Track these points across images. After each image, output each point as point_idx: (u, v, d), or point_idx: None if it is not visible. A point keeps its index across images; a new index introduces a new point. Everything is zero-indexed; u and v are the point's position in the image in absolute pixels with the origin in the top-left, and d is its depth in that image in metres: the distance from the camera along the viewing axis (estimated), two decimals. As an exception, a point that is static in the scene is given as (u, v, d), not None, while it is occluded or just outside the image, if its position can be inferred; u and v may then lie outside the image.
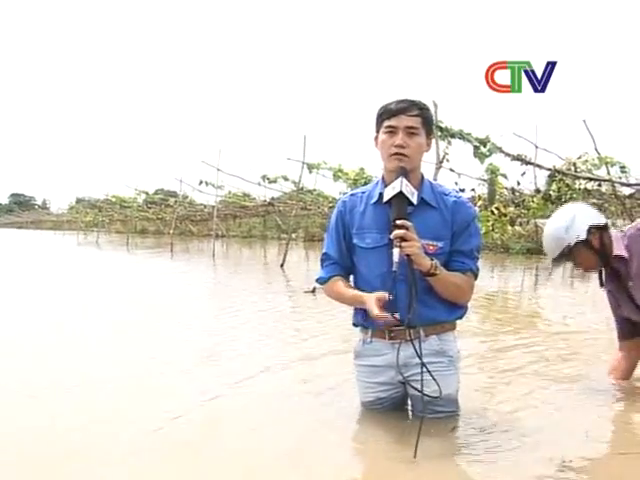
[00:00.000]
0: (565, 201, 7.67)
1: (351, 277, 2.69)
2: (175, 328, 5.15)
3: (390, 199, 2.42)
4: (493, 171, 8.89)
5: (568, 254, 3.00)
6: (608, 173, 8.75)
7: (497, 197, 9.54)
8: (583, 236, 2.95)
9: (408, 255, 2.37)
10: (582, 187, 9.03)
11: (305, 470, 2.28)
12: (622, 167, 9.13)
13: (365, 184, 3.23)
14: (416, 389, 2.41)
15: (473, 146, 8.00)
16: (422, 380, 2.35)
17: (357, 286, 2.63)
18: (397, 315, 2.39)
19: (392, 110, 2.48)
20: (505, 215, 9.37)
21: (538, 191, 9.28)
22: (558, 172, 8.68)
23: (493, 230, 9.57)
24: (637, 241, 3.01)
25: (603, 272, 3.12)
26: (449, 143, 7.98)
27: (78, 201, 39.81)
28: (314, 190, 16.78)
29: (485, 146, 7.99)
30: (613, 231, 3.11)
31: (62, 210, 45.50)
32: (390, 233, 2.39)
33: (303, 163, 12.37)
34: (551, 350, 4.37)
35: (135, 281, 9.60)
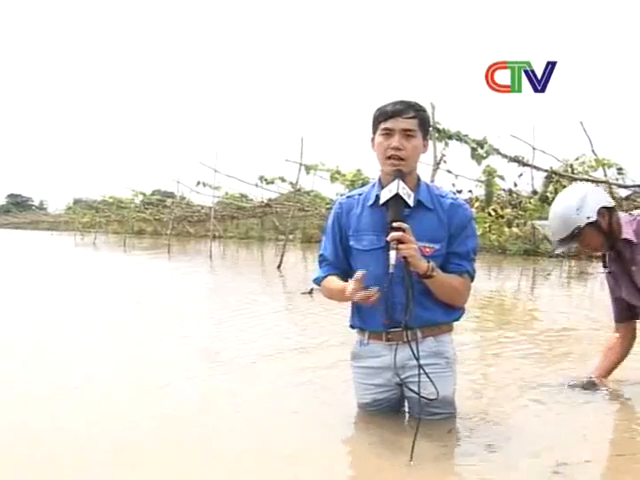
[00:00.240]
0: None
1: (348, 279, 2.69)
2: (172, 329, 5.14)
3: (387, 201, 2.42)
4: (490, 173, 8.91)
5: (577, 235, 2.95)
6: (605, 175, 8.79)
7: (494, 199, 9.56)
8: (594, 217, 2.89)
9: (404, 257, 2.37)
10: (579, 189, 9.02)
11: (299, 472, 2.27)
12: (619, 169, 9.16)
13: (362, 186, 3.23)
14: (413, 391, 2.41)
15: (470, 148, 8.01)
16: (419, 382, 2.35)
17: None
18: (373, 289, 2.37)
19: (388, 112, 2.48)
20: (502, 217, 9.40)
21: (535, 193, 9.31)
22: (555, 174, 8.70)
23: (490, 231, 9.60)
24: None
25: (607, 254, 3.10)
26: (446, 145, 7.99)
27: (75, 202, 39.69)
28: (311, 191, 16.79)
29: (482, 148, 8.00)
30: (622, 214, 3.07)
31: (59, 211, 45.40)
32: (387, 235, 2.39)
33: (300, 164, 12.37)
34: (548, 351, 4.37)
35: (133, 282, 9.57)
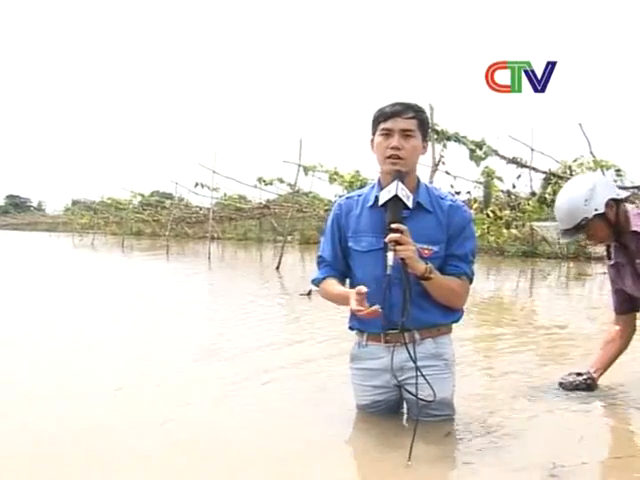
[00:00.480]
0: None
1: (347, 280, 2.69)
2: (172, 330, 5.15)
3: (386, 202, 2.42)
4: (489, 174, 8.91)
5: (583, 226, 2.92)
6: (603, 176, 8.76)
7: (493, 200, 9.56)
8: (602, 209, 2.87)
9: (402, 259, 2.37)
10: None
11: (299, 472, 2.27)
12: (617, 170, 9.14)
13: (361, 187, 3.24)
14: (411, 393, 2.41)
15: (469, 149, 8.03)
16: (417, 384, 2.35)
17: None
18: (377, 307, 2.35)
19: (387, 113, 2.49)
20: (501, 218, 9.39)
21: (534, 194, 9.31)
22: (554, 175, 8.70)
23: (489, 233, 9.58)
24: None
25: (612, 245, 3.09)
26: (445, 146, 8.00)
27: (74, 203, 39.64)
28: (310, 193, 16.81)
29: (481, 149, 8.01)
30: (629, 206, 3.04)
31: (58, 212, 45.34)
32: (385, 236, 2.39)
33: (299, 166, 12.37)
34: (546, 352, 4.37)
35: (131, 283, 9.56)
